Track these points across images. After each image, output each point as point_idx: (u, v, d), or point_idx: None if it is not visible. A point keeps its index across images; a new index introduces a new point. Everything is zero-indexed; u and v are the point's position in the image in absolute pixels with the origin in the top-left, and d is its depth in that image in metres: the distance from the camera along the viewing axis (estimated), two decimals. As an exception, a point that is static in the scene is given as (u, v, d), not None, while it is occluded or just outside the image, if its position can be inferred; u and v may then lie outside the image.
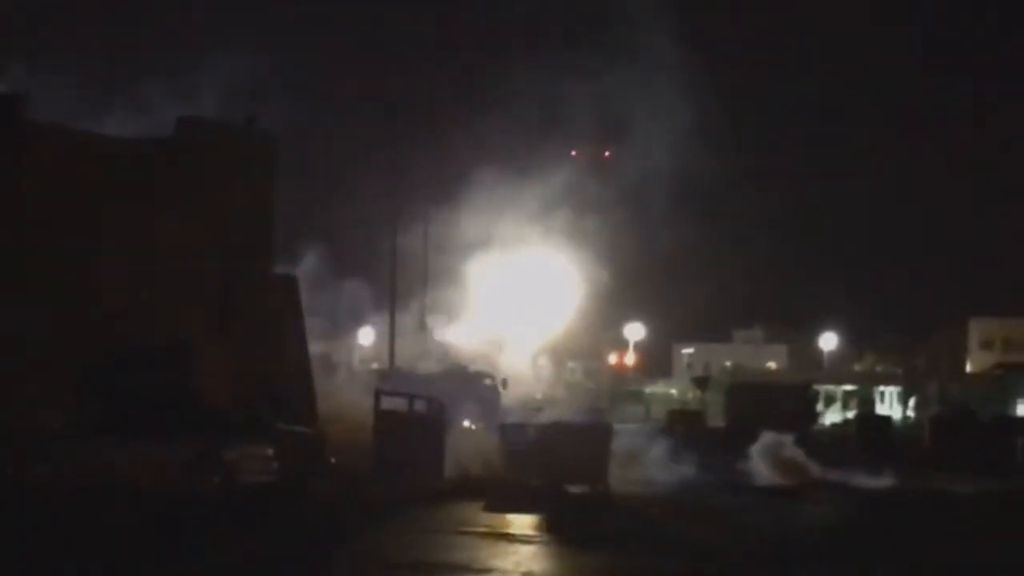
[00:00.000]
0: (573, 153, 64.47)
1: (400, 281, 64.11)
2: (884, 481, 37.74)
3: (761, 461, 39.04)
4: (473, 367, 54.68)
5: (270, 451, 28.19)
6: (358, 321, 71.35)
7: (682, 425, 39.12)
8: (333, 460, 32.28)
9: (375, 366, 71.69)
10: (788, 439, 40.39)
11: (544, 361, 52.70)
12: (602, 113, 53.00)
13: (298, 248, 50.14)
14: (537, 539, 24.10)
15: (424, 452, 33.70)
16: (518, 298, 54.80)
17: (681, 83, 49.81)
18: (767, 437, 39.85)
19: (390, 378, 50.18)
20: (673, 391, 76.92)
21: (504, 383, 52.13)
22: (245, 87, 45.75)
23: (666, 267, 51.91)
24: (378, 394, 34.61)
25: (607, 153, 62.65)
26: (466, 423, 42.28)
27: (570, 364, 52.18)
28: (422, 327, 68.00)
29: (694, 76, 49.94)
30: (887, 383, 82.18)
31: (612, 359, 78.58)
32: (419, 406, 35.40)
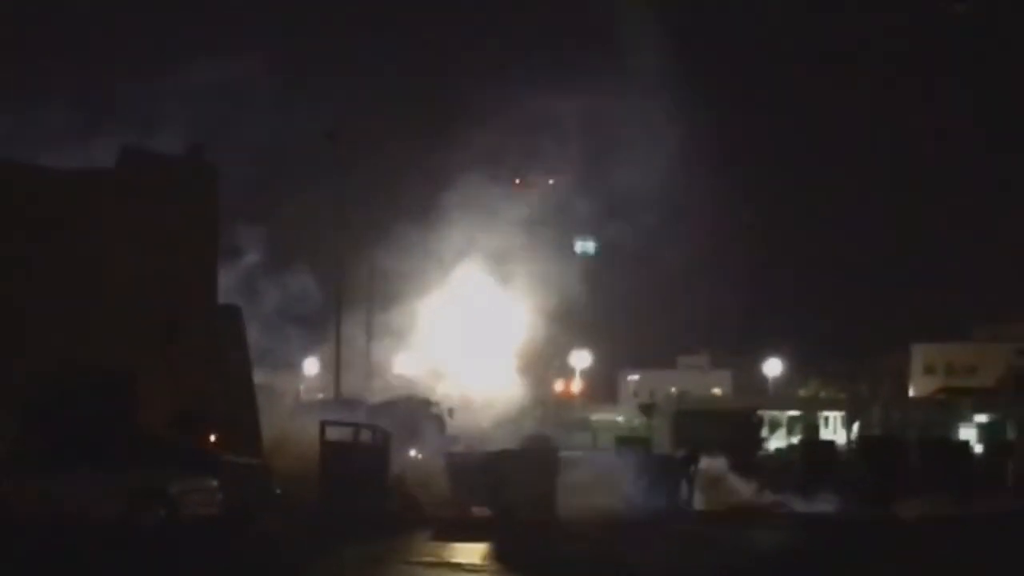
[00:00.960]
0: (517, 181, 64.56)
1: (345, 308, 63.87)
2: (825, 506, 37.98)
3: (702, 487, 39.22)
4: (419, 396, 54.52)
5: (215, 483, 28.06)
6: (303, 351, 71.03)
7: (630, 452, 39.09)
8: (279, 491, 32.16)
9: (320, 396, 71.45)
10: (724, 464, 40.61)
11: (489, 390, 52.61)
12: (548, 140, 53.14)
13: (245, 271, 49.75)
14: (485, 568, 24.08)
15: (370, 482, 33.60)
16: (464, 327, 54.79)
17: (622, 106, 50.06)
18: (707, 463, 40.01)
19: (335, 407, 49.95)
20: (619, 418, 77.03)
21: (450, 412, 52.03)
22: (185, 115, 45.59)
23: (611, 294, 51.97)
24: (323, 425, 34.51)
25: (551, 181, 62.71)
26: (412, 452, 42.11)
27: (516, 392, 52.08)
28: (366, 355, 67.80)
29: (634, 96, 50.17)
30: (831, 408, 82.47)
31: (559, 386, 78.79)
32: (364, 436, 35.32)
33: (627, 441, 40.45)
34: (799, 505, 38.55)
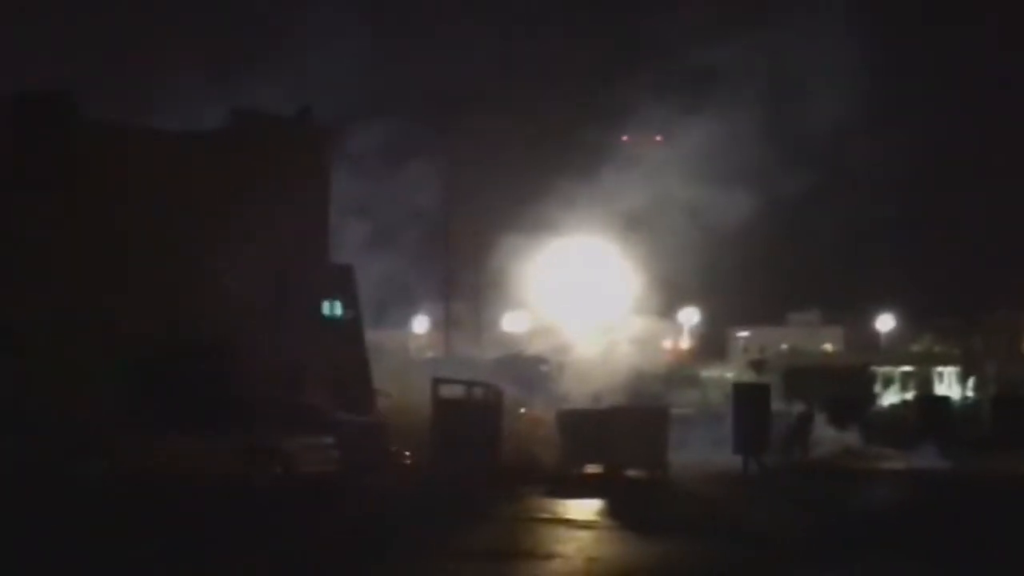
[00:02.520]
0: (624, 138, 64.11)
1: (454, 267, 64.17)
2: (944, 463, 37.49)
3: (815, 444, 38.99)
4: (528, 353, 54.65)
5: (330, 440, 28.29)
6: (412, 309, 71.48)
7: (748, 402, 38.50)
8: (393, 448, 32.38)
9: (430, 354, 71.83)
10: (837, 421, 40.36)
11: (599, 347, 52.51)
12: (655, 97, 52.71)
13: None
14: (599, 525, 24.04)
15: (483, 439, 33.72)
16: (574, 285, 54.67)
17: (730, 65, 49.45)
18: (820, 419, 39.80)
19: (446, 365, 50.18)
20: (729, 375, 76.52)
21: (560, 369, 52.05)
22: (299, 78, 45.82)
23: (721, 251, 51.56)
24: (436, 382, 34.64)
25: (658, 137, 62.29)
26: (522, 410, 42.22)
27: (626, 349, 51.88)
28: (476, 313, 68.09)
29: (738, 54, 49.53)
30: (945, 364, 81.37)
31: (667, 344, 78.48)
32: (477, 393, 35.43)
33: (744, 389, 39.41)
34: (914, 461, 38.13)
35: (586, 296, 54.62)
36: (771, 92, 46.61)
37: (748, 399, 37.71)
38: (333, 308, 38.08)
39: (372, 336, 44.24)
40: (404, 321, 73.20)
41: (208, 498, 24.55)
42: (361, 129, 48.40)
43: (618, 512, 25.74)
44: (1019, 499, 30.66)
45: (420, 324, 77.50)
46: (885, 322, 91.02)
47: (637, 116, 52.74)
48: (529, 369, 52.10)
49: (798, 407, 40.58)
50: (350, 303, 39.08)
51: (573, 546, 20.75)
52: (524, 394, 44.45)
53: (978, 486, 33.50)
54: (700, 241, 47.78)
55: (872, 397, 56.87)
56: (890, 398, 66.95)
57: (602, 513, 25.75)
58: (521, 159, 58.11)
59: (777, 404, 40.45)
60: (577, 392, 45.81)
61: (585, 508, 26.22)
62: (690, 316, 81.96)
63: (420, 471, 31.34)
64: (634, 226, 52.00)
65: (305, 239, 35.60)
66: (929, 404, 49.96)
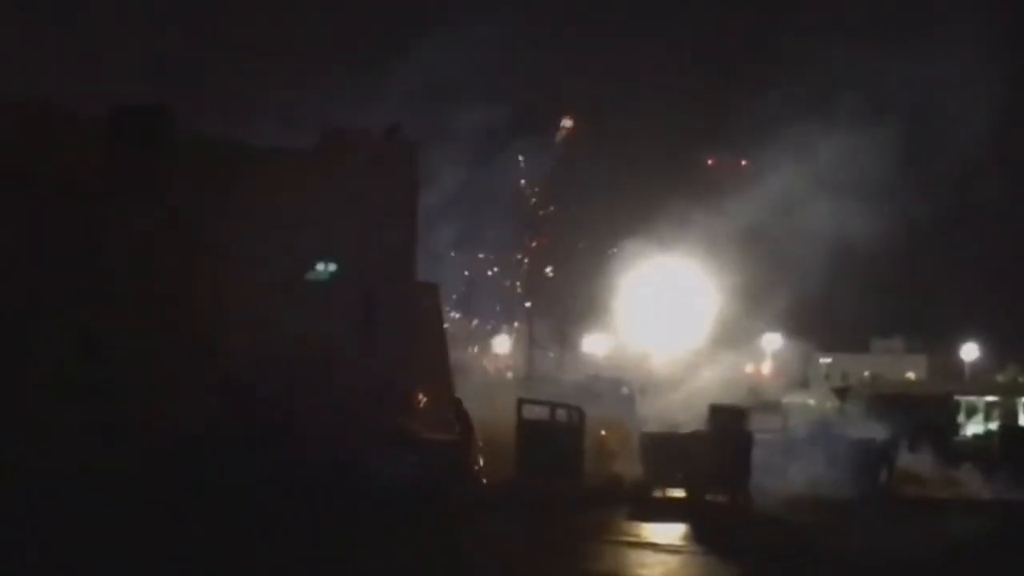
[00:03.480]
0: (710, 162, 64.15)
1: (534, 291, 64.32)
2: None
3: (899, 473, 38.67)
4: (610, 375, 54.55)
5: (414, 458, 28.43)
6: (494, 329, 71.73)
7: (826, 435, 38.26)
8: (479, 466, 32.48)
9: (509, 375, 71.95)
10: (923, 450, 39.99)
11: (681, 370, 52.37)
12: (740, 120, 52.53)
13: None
14: (683, 549, 24.01)
15: (565, 459, 33.75)
16: (659, 309, 54.57)
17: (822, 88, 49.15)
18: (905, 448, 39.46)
19: (529, 385, 50.29)
20: (811, 401, 76.10)
21: (642, 391, 51.91)
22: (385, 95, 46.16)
23: (806, 276, 51.29)
24: (520, 402, 34.71)
25: (743, 162, 62.14)
26: (603, 432, 42.15)
27: (708, 374, 51.71)
28: (558, 335, 68.16)
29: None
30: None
31: (749, 369, 78.03)
32: (560, 414, 35.46)
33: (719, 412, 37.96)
34: (999, 491, 37.71)
35: (671, 319, 54.53)
36: (878, 118, 46.09)
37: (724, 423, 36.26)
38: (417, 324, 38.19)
39: (454, 355, 44.38)
40: (486, 340, 73.46)
41: (295, 511, 24.72)
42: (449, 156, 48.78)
43: (704, 537, 25.68)
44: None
45: (501, 344, 77.69)
46: (970, 351, 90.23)
47: (740, 138, 52.64)
48: (610, 391, 51.94)
49: (883, 435, 40.20)
50: (435, 321, 39.18)
51: (658, 570, 20.82)
52: (605, 416, 44.37)
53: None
54: (790, 265, 47.46)
55: (955, 426, 56.27)
56: (973, 428, 66.26)
57: (687, 537, 25.70)
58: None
59: (860, 431, 40.15)
60: (658, 415, 45.69)
61: (669, 532, 26.19)
62: (773, 341, 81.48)
63: (505, 490, 31.37)
64: (720, 251, 51.87)
65: (392, 256, 35.76)
66: (1013, 434, 49.39)
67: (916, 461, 40.50)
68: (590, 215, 55.52)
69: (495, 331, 74.46)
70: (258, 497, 25.66)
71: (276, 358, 30.59)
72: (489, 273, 66.52)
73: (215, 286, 31.23)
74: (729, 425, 36.11)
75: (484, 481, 33.54)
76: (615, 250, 54.28)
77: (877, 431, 40.78)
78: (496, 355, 78.50)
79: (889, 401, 55.13)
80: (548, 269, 73.30)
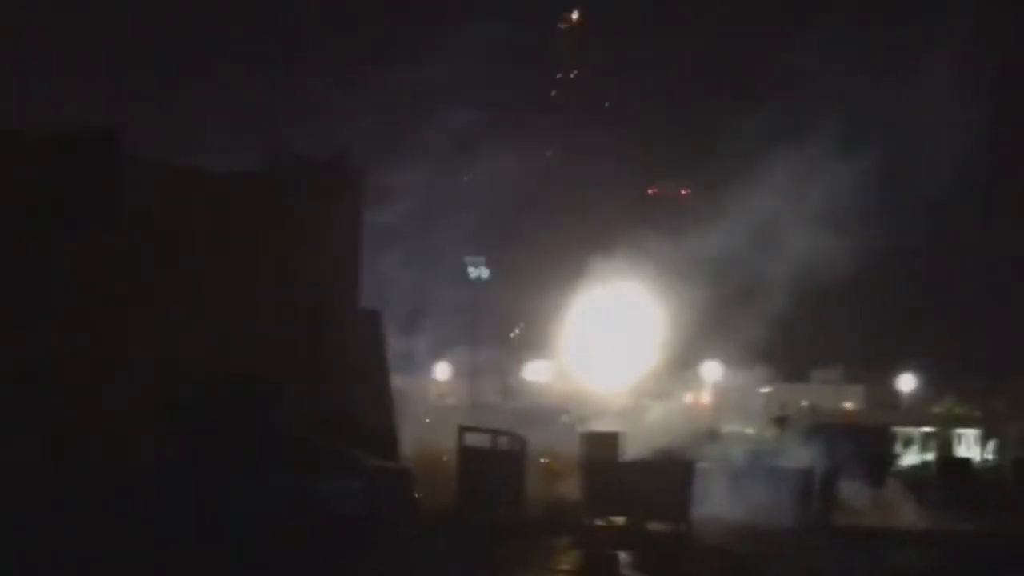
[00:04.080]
0: (651, 191, 64.65)
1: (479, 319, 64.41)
2: (968, 524, 37.49)
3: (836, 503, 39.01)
4: (550, 403, 54.80)
5: (358, 485, 28.40)
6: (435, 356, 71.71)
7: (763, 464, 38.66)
8: (418, 495, 32.47)
9: (450, 401, 72.06)
10: (859, 480, 40.38)
11: (621, 400, 52.65)
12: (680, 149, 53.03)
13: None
14: (624, 578, 24.19)
15: (507, 487, 33.85)
16: (599, 336, 54.86)
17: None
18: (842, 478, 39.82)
19: (470, 412, 50.38)
20: (750, 430, 76.58)
21: (581, 419, 52.12)
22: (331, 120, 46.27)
23: (746, 306, 51.72)
24: (462, 430, 34.78)
25: (684, 191, 62.68)
26: (542, 460, 42.31)
27: (646, 402, 52.00)
28: (499, 362, 68.23)
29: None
30: (966, 426, 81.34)
31: (688, 398, 78.49)
32: (502, 441, 35.54)
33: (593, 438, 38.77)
34: (938, 521, 38.14)
35: (611, 347, 54.81)
36: (818, 150, 46.58)
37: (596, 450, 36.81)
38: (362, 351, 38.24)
39: (395, 381, 44.42)
40: (427, 367, 73.38)
41: (248, 538, 24.68)
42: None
43: (644, 566, 25.85)
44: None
45: (442, 371, 77.71)
46: (907, 382, 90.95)
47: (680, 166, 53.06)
48: (550, 419, 52.17)
49: (821, 464, 40.53)
50: (378, 349, 39.24)
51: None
52: (545, 444, 44.52)
53: (1007, 547, 33.45)
54: (728, 297, 47.92)
55: (893, 457, 56.82)
56: (910, 458, 66.96)
57: (628, 566, 25.86)
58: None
59: (798, 461, 40.47)
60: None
61: (611, 560, 26.32)
62: (712, 370, 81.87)
63: (445, 517, 31.40)
64: (660, 279, 52.20)
65: (337, 282, 35.83)
66: (950, 465, 49.98)
67: (854, 491, 40.83)
68: (535, 241, 55.68)
69: (437, 357, 74.42)
70: (206, 524, 25.58)
71: (224, 384, 30.53)
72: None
73: (162, 311, 31.18)
74: (600, 454, 36.53)
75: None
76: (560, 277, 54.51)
77: (816, 461, 41.16)
78: (437, 381, 78.57)
79: (827, 431, 55.63)
80: None
